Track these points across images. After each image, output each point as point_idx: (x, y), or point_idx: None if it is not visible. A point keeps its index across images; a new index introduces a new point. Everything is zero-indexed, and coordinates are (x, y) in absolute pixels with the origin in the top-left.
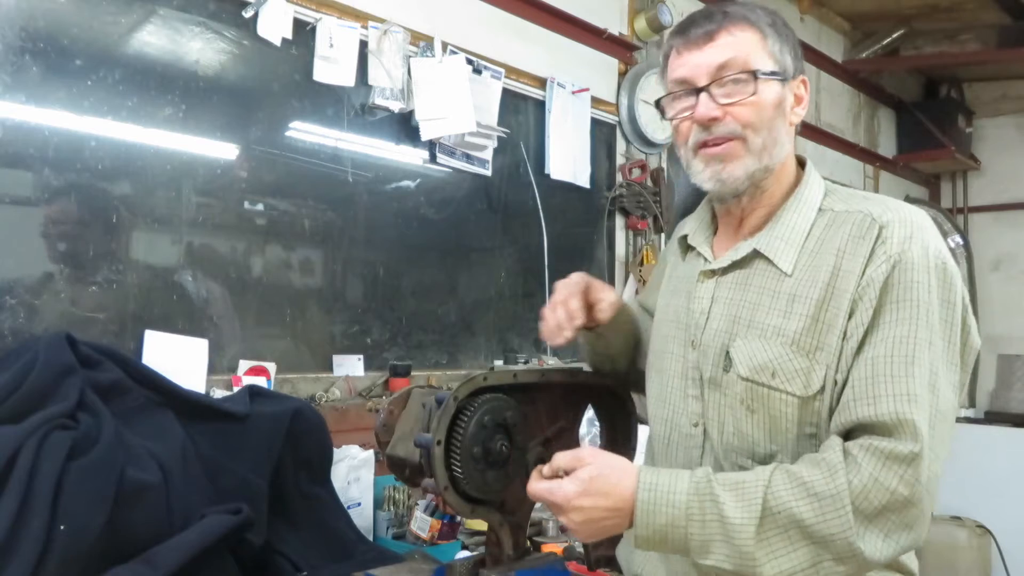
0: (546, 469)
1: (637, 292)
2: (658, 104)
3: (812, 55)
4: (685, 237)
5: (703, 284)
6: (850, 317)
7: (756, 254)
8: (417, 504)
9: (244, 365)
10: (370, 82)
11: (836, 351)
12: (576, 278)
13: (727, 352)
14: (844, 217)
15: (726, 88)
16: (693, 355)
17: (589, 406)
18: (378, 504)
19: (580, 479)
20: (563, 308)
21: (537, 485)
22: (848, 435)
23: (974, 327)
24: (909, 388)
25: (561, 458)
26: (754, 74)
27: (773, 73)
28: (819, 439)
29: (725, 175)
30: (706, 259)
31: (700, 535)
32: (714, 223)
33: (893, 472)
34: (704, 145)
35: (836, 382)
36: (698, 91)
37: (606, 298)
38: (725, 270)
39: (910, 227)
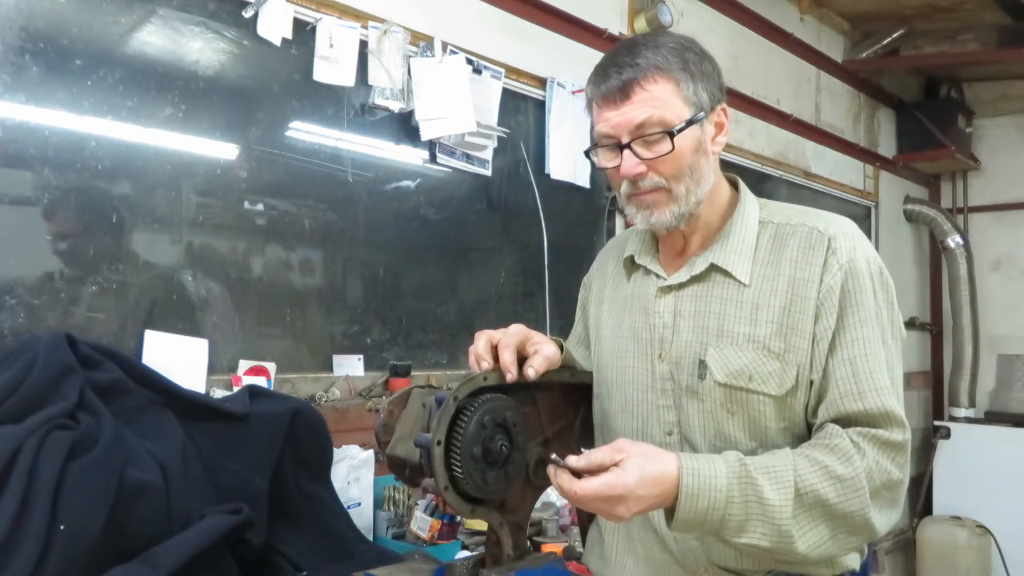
0: (579, 461)
1: None
2: (588, 154)
3: (812, 55)
4: (631, 257)
5: (662, 299)
6: (816, 321)
7: (713, 268)
8: (417, 504)
9: (244, 365)
10: (370, 82)
11: (806, 353)
12: (515, 329)
13: (701, 361)
14: (788, 230)
15: (646, 146)
16: (663, 367)
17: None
18: (378, 504)
19: (635, 468)
20: (486, 362)
21: (589, 483)
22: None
23: (901, 320)
24: (884, 382)
25: (598, 453)
26: (670, 133)
27: (690, 121)
28: (791, 432)
29: (654, 220)
30: (658, 276)
31: (739, 516)
32: (655, 244)
33: (888, 457)
34: (634, 194)
35: (812, 382)
36: (621, 147)
37: (542, 352)
38: (682, 285)
39: (852, 238)
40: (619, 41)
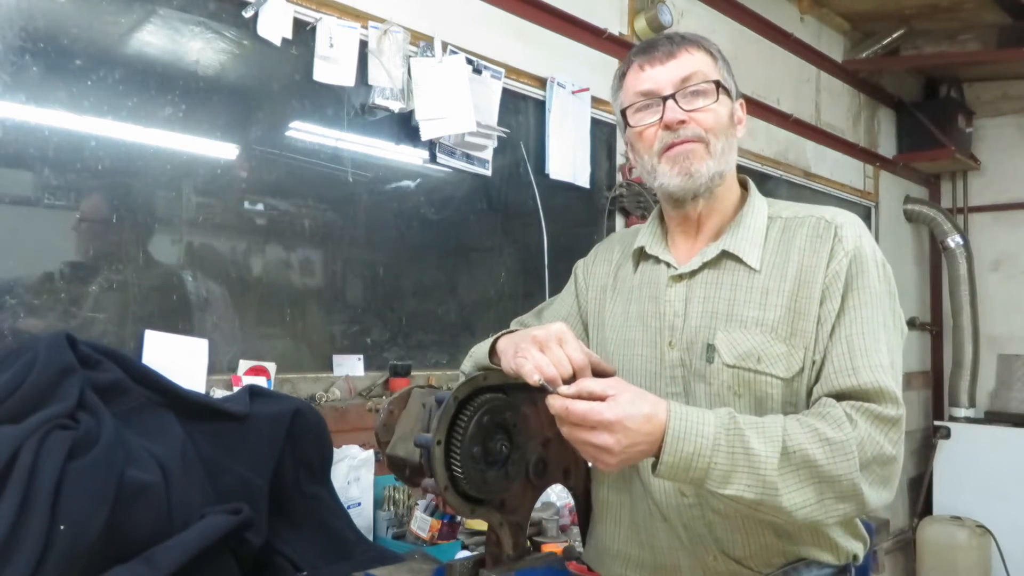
0: (571, 389)
1: None
2: (623, 113)
3: (812, 55)
4: (642, 248)
5: (673, 288)
6: (821, 304)
7: (725, 254)
8: (417, 504)
9: (244, 365)
10: (370, 82)
11: (812, 335)
12: (581, 347)
13: (710, 345)
14: (797, 222)
15: (689, 98)
16: (672, 354)
17: None
18: (378, 504)
19: (626, 401)
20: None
21: (579, 404)
22: None
23: (902, 316)
24: (881, 360)
25: (593, 383)
26: (716, 83)
27: (726, 89)
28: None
29: (693, 170)
30: (669, 265)
31: (724, 465)
32: (665, 237)
33: (881, 431)
34: (671, 147)
35: (814, 363)
36: (664, 99)
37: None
38: (694, 273)
39: (858, 228)
40: (620, 40)
